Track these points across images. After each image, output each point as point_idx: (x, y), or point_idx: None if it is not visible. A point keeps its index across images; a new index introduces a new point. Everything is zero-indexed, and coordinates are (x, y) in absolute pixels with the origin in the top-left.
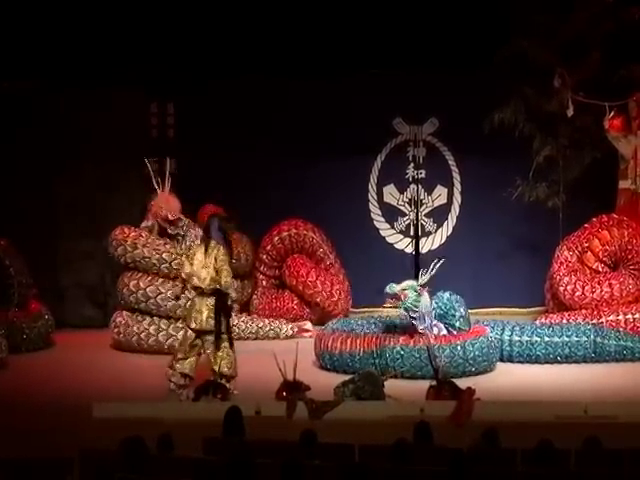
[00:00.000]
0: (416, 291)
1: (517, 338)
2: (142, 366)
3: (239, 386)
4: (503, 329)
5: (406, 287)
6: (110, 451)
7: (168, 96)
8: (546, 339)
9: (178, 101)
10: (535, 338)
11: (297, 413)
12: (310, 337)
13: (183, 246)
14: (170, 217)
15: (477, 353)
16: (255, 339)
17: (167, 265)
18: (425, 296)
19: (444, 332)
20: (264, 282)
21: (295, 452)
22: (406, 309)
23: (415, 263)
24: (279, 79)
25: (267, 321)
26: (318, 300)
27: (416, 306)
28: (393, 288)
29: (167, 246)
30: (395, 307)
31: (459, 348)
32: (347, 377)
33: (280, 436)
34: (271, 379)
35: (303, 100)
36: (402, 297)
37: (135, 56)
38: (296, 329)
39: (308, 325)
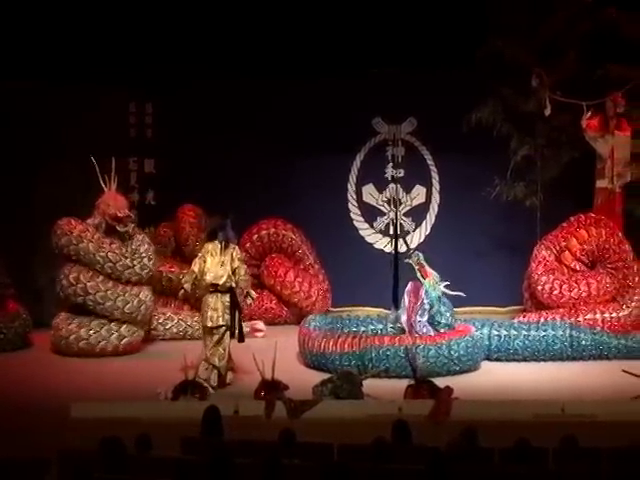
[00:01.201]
0: (436, 282)
1: (495, 332)
2: (119, 366)
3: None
4: (482, 325)
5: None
6: (88, 451)
7: (147, 96)
8: (523, 333)
9: (157, 101)
10: (513, 332)
11: (276, 413)
12: (263, 337)
13: (129, 249)
14: (119, 214)
15: (462, 352)
16: (192, 338)
17: (111, 265)
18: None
19: (431, 332)
20: None
21: (274, 452)
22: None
23: (394, 262)
24: (259, 79)
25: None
26: (296, 300)
27: (429, 293)
28: (419, 256)
29: (113, 246)
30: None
31: (444, 348)
32: (327, 376)
33: (259, 436)
34: (250, 378)
35: (282, 100)
36: (426, 274)
37: (115, 55)
38: (248, 329)
39: (260, 325)
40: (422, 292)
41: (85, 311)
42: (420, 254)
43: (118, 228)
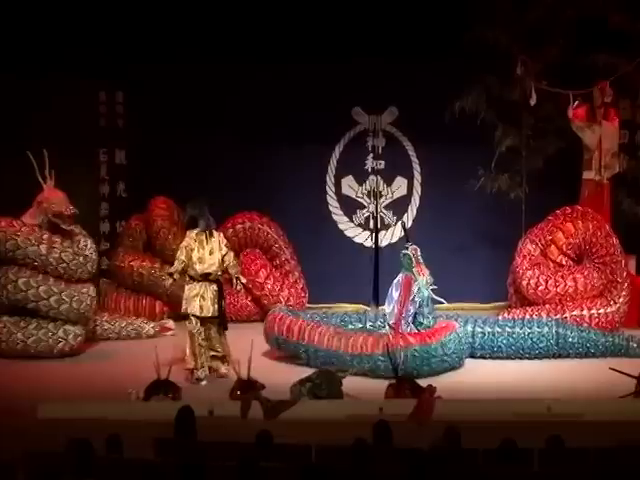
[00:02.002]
0: (428, 282)
1: (479, 329)
2: (87, 366)
3: (190, 387)
4: (466, 322)
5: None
6: (56, 453)
7: (118, 84)
8: (508, 330)
9: (128, 89)
10: (497, 329)
11: (252, 413)
12: (172, 335)
13: (79, 246)
14: (65, 212)
15: (453, 349)
16: (117, 339)
17: (65, 266)
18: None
19: (414, 331)
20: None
21: (250, 453)
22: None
23: (375, 257)
24: (234, 65)
25: (128, 320)
26: (265, 302)
27: (422, 291)
28: (418, 250)
29: (65, 244)
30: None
31: (440, 348)
32: (305, 375)
33: (234, 437)
34: (225, 378)
35: (258, 89)
36: (421, 272)
37: (85, 43)
38: (158, 328)
39: (170, 323)
40: (414, 287)
41: (27, 312)
42: (418, 249)
43: (63, 226)
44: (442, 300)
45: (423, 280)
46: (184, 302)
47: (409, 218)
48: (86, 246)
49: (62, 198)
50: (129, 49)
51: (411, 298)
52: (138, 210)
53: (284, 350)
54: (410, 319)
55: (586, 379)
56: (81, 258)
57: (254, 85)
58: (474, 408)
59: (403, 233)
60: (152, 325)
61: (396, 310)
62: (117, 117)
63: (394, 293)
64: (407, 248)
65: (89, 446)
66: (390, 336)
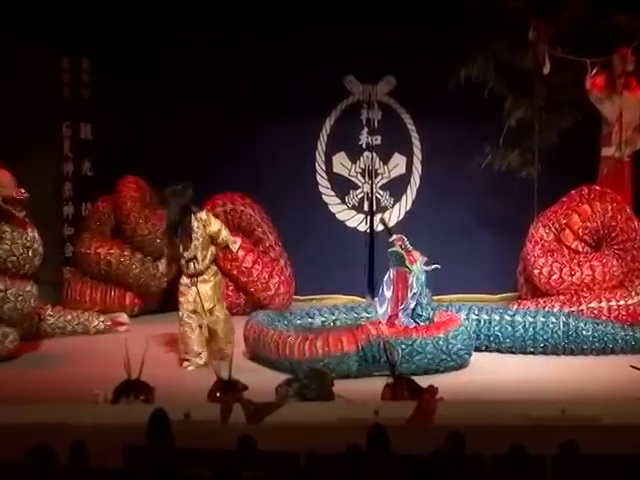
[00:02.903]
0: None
1: (474, 317)
2: (41, 368)
3: (164, 388)
4: (459, 309)
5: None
6: (14, 463)
7: (83, 50)
8: (507, 318)
9: (95, 56)
10: (494, 317)
11: (233, 416)
12: (125, 331)
13: (25, 240)
14: (17, 196)
15: (459, 346)
16: (62, 335)
17: (14, 259)
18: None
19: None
20: None
21: (231, 461)
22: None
23: (370, 243)
24: (213, 33)
25: (75, 314)
26: (252, 290)
27: (419, 278)
28: (405, 240)
29: (15, 235)
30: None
31: (441, 342)
32: (293, 374)
33: (214, 443)
34: (202, 378)
35: (240, 57)
36: (413, 259)
37: (46, 3)
38: (109, 322)
39: (123, 317)
40: (411, 279)
41: None
42: (404, 237)
43: (16, 213)
44: (436, 266)
45: (416, 267)
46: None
47: (408, 199)
48: (34, 238)
49: (12, 180)
50: (96, 8)
51: (411, 293)
52: (106, 191)
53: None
54: (409, 312)
55: (604, 378)
56: (30, 252)
57: (235, 53)
58: (480, 410)
59: (385, 229)
60: (102, 319)
61: (389, 310)
62: (82, 86)
63: (386, 292)
64: (393, 244)
65: (51, 454)
66: (382, 329)
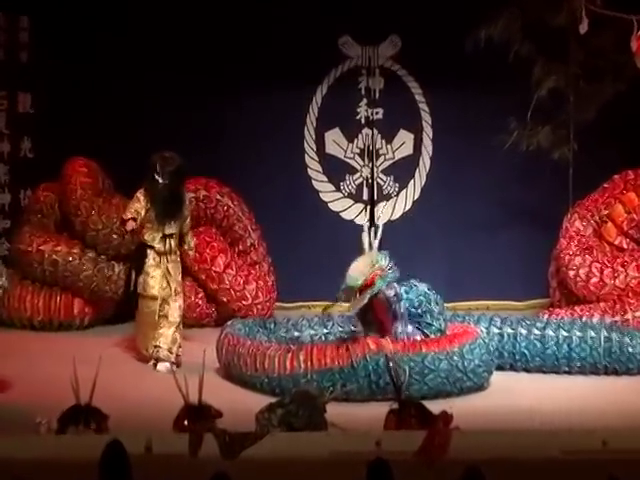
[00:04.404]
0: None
1: (496, 330)
2: None
3: (121, 414)
4: (478, 321)
5: (375, 262)
6: None
7: (22, 5)
8: (535, 332)
9: (36, 12)
10: (521, 330)
11: (204, 449)
12: None
13: None
14: None
15: (477, 362)
16: None
17: None
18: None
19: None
20: None
21: None
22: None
23: (369, 238)
24: None
25: None
26: (225, 299)
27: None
28: (357, 280)
29: None
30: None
31: (456, 357)
32: (276, 398)
33: None
34: (166, 401)
35: (212, 13)
36: (370, 282)
37: None
38: None
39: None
40: (383, 295)
41: None
42: (353, 276)
43: None
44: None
45: (377, 281)
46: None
47: (416, 186)
48: None
49: None
50: None
51: (394, 303)
52: (49, 176)
53: (247, 384)
54: (407, 321)
55: None
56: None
57: (206, 7)
58: (503, 441)
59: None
60: None
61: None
62: (20, 49)
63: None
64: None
65: None
66: (385, 343)
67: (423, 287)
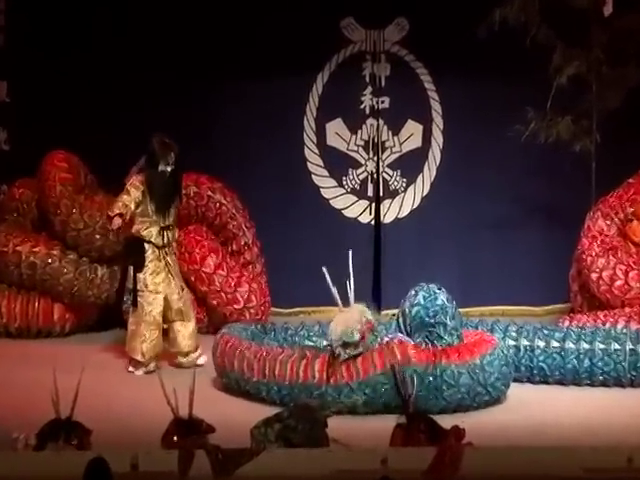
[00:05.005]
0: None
1: (512, 342)
2: None
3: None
4: (491, 331)
5: (363, 316)
6: None
7: None
8: (555, 344)
9: None
10: (539, 343)
11: (195, 467)
12: None
13: None
14: None
15: (496, 374)
16: None
17: None
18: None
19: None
20: None
21: None
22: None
23: (375, 239)
24: None
25: None
26: (215, 303)
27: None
28: (353, 337)
29: None
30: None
31: (477, 370)
32: (274, 412)
33: None
34: (154, 415)
35: None
36: (363, 337)
37: None
38: None
39: None
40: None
41: None
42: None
43: None
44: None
45: (369, 338)
46: None
47: (426, 181)
48: None
49: None
50: None
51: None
52: (27, 171)
53: (248, 392)
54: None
55: None
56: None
57: None
58: (520, 459)
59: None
60: None
61: None
62: None
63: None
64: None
65: None
66: (395, 349)
67: (442, 298)
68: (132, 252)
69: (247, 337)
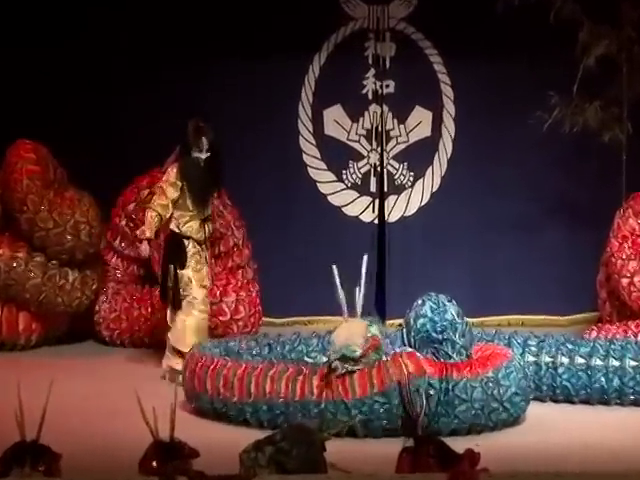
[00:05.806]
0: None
1: (532, 358)
2: None
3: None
4: (508, 345)
5: (368, 331)
6: None
7: None
8: (580, 361)
9: None
10: (562, 360)
11: None
12: None
13: None
14: None
15: (514, 389)
16: None
17: None
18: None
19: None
20: (119, 273)
21: None
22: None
23: (378, 240)
24: None
25: None
26: None
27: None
28: (354, 352)
29: None
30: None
31: (491, 384)
32: (265, 434)
33: None
34: (131, 437)
35: None
36: (365, 353)
37: None
38: None
39: None
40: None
41: None
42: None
43: None
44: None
45: (374, 356)
46: None
47: (436, 175)
48: None
49: None
50: None
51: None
52: None
53: (226, 415)
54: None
55: None
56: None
57: None
58: None
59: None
60: None
61: None
62: None
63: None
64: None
65: None
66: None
67: (452, 312)
68: (172, 250)
69: (220, 354)
